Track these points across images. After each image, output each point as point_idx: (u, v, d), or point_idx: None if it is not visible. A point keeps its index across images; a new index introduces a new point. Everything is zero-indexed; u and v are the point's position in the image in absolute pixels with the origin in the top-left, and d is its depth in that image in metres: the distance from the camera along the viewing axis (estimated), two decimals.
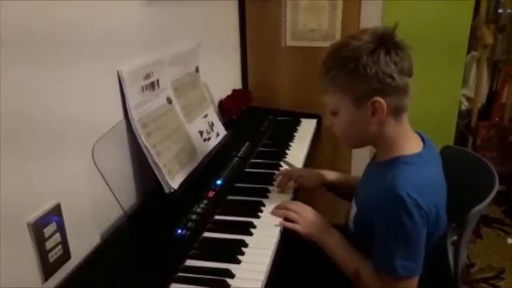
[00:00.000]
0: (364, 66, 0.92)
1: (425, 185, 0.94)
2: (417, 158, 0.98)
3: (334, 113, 1.02)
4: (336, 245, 1.07)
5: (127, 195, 1.11)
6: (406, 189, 0.91)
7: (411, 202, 0.90)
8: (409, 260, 0.94)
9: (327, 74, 0.98)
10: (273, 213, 1.15)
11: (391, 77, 0.92)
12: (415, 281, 0.96)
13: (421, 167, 0.97)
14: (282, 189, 1.27)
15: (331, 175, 1.33)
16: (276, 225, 1.10)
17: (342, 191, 1.30)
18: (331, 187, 1.33)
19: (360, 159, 1.95)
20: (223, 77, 1.83)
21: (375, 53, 0.91)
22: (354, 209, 1.10)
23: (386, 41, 0.93)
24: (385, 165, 1.01)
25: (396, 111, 0.97)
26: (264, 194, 1.25)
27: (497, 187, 1.05)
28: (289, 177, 1.30)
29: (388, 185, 0.94)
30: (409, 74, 0.95)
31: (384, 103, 0.94)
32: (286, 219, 1.12)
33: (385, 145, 1.02)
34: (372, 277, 0.99)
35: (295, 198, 1.28)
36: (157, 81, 1.19)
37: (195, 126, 1.34)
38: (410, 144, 1.00)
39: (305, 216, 1.12)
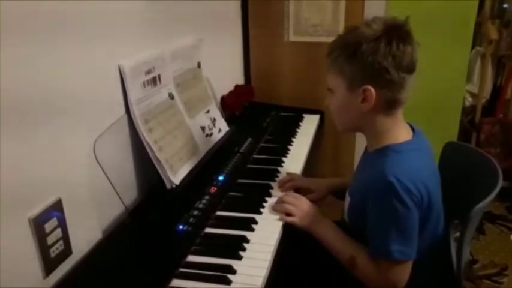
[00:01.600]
0: (362, 54, 0.92)
1: (415, 171, 0.95)
2: (406, 146, 0.99)
3: (331, 91, 1.03)
4: (330, 235, 1.08)
5: (128, 190, 1.11)
6: (396, 175, 0.92)
7: (401, 187, 0.91)
8: (404, 244, 0.95)
9: (330, 55, 1.00)
10: (273, 208, 1.15)
11: (386, 69, 0.92)
12: (410, 264, 0.97)
13: (410, 154, 0.98)
14: (282, 188, 1.26)
15: (334, 182, 1.34)
16: (277, 220, 1.10)
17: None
18: (338, 193, 1.32)
19: None
20: (225, 73, 1.83)
21: (376, 42, 0.91)
22: (347, 200, 1.11)
23: (392, 32, 0.92)
24: (375, 154, 1.02)
25: (388, 105, 0.97)
26: (266, 190, 1.25)
27: (501, 183, 1.04)
28: (294, 182, 1.29)
29: (378, 173, 0.95)
30: (408, 70, 0.94)
31: (374, 93, 0.94)
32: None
33: (375, 135, 1.03)
34: (367, 263, 1.00)
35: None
36: (159, 76, 1.18)
37: (197, 122, 1.34)
38: (400, 133, 1.01)
39: (301, 208, 1.12)
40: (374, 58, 0.91)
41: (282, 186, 1.27)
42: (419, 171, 0.96)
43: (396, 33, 0.92)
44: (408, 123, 1.05)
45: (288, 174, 1.33)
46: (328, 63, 1.01)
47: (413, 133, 1.04)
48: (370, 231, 0.99)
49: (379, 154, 1.00)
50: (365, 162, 1.11)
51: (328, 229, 1.10)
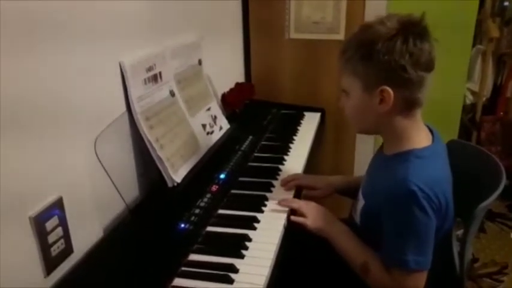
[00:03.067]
0: (377, 53, 0.89)
1: (436, 179, 0.93)
2: (428, 152, 0.97)
3: (346, 93, 1.01)
4: (344, 239, 1.06)
5: (129, 189, 1.10)
6: (418, 184, 0.89)
7: (423, 196, 0.89)
8: (420, 254, 0.93)
9: (343, 55, 0.97)
10: (281, 204, 1.14)
11: (404, 68, 0.89)
12: (424, 274, 0.95)
13: (432, 161, 0.96)
14: (285, 186, 1.26)
15: (338, 179, 1.33)
16: (284, 220, 1.09)
17: (351, 191, 1.28)
18: (341, 191, 1.32)
19: (364, 154, 1.94)
20: (226, 70, 1.82)
21: (392, 40, 0.88)
22: (361, 202, 1.09)
23: (407, 29, 0.89)
24: (395, 158, 0.99)
25: (406, 104, 0.94)
26: (268, 188, 1.24)
27: (504, 182, 1.04)
28: (298, 181, 1.28)
29: (399, 180, 0.92)
30: (427, 68, 0.92)
31: (392, 93, 0.92)
32: (294, 213, 1.12)
33: (394, 137, 1.00)
34: (380, 271, 0.98)
35: (298, 192, 1.27)
36: (160, 73, 1.17)
37: (198, 120, 1.33)
38: (421, 137, 0.98)
39: (313, 211, 1.11)
40: (390, 57, 0.88)
41: (285, 185, 1.26)
42: (440, 180, 0.94)
43: (412, 30, 0.90)
44: (425, 125, 1.03)
45: (290, 176, 1.31)
46: (342, 63, 0.98)
47: (432, 136, 1.01)
48: (386, 238, 0.97)
49: (399, 159, 0.97)
50: (381, 164, 1.07)
51: (342, 233, 1.07)
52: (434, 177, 0.93)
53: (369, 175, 1.13)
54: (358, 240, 1.05)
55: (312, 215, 1.10)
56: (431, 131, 1.03)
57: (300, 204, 1.13)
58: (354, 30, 0.98)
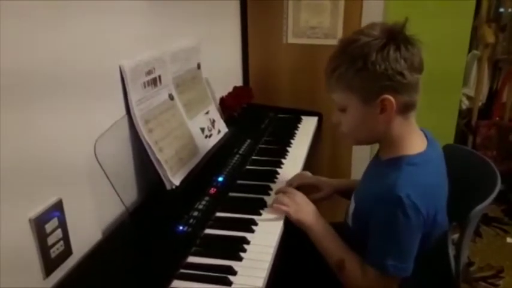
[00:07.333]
0: (373, 64, 0.90)
1: (426, 187, 0.93)
2: (420, 159, 0.97)
3: (342, 109, 1.00)
4: (322, 234, 1.07)
5: (129, 191, 1.11)
6: (406, 191, 0.90)
7: (410, 204, 0.90)
8: (400, 261, 0.94)
9: (334, 72, 0.96)
10: (271, 203, 1.15)
11: (401, 74, 0.90)
12: (398, 279, 0.97)
13: (423, 168, 0.96)
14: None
15: (341, 181, 1.35)
16: (282, 223, 1.09)
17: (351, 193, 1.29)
18: (342, 193, 1.33)
19: (360, 158, 1.95)
20: (224, 74, 1.83)
21: (385, 49, 0.89)
22: (352, 205, 1.10)
23: (396, 36, 0.91)
24: (388, 164, 1.00)
25: (405, 109, 0.95)
26: (266, 191, 1.25)
27: (499, 186, 1.05)
28: (303, 180, 1.31)
29: (389, 186, 0.93)
30: (420, 70, 0.94)
31: (394, 101, 0.92)
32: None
33: (390, 143, 1.00)
34: (355, 269, 0.99)
35: None
36: (159, 77, 1.18)
37: (196, 123, 1.34)
38: (415, 143, 0.99)
39: (297, 202, 1.12)
40: (387, 65, 0.89)
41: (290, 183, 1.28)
42: (430, 187, 0.95)
43: (400, 36, 0.91)
44: (420, 129, 1.03)
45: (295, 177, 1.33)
46: (332, 81, 0.97)
47: (427, 141, 1.02)
48: (371, 240, 0.98)
49: (392, 165, 0.98)
50: (376, 169, 1.08)
51: (322, 228, 1.08)
52: (425, 185, 0.93)
53: (363, 179, 1.14)
54: (337, 238, 1.07)
55: (294, 205, 1.11)
56: (426, 136, 1.03)
57: (283, 196, 1.14)
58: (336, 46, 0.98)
